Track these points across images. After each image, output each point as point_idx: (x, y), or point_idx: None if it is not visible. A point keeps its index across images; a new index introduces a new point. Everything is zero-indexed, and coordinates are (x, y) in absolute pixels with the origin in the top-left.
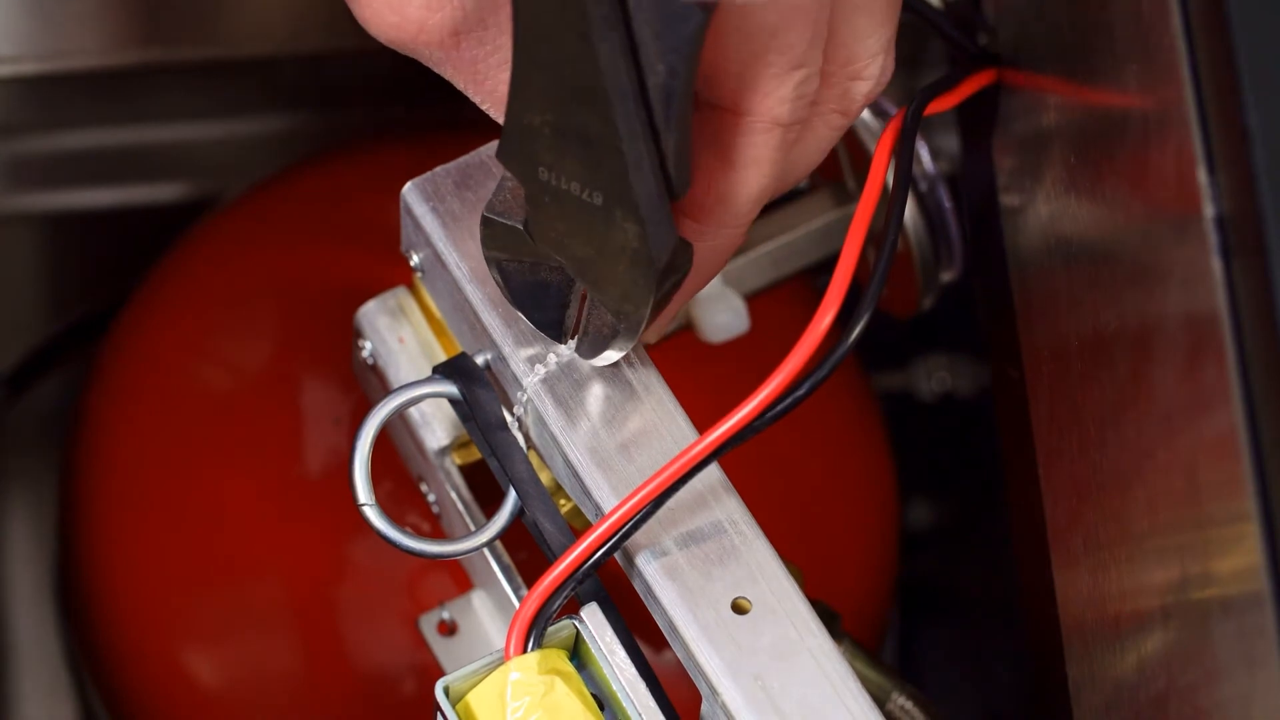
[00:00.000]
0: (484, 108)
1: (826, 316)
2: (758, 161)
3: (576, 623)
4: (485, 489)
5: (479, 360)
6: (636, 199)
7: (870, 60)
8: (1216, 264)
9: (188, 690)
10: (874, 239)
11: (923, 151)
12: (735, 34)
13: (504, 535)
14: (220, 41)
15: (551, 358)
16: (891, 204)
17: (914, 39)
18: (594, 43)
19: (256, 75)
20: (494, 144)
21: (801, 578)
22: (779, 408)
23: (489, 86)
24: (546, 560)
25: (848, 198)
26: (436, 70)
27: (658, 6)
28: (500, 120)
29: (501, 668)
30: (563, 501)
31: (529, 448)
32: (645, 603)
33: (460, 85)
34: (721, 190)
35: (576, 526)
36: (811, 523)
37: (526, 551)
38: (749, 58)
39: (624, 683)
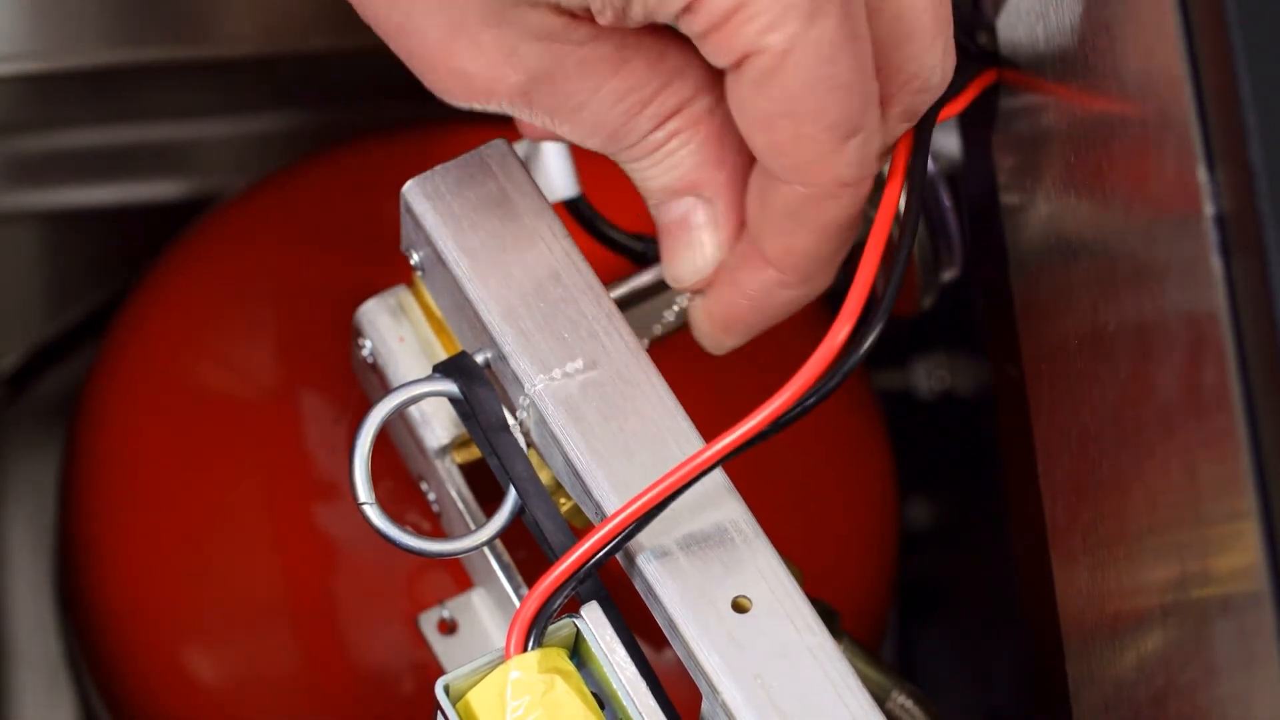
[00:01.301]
0: (572, 140)
1: (841, 332)
2: (836, 224)
3: (577, 621)
4: (485, 488)
5: (479, 359)
6: None
7: (931, 73)
8: (1216, 262)
9: (188, 690)
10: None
11: None
12: (783, 119)
13: (504, 534)
14: (220, 40)
15: (557, 370)
16: (906, 215)
17: None
18: None
19: (257, 74)
20: (493, 143)
21: (801, 577)
22: (787, 417)
23: (569, 126)
24: (546, 559)
25: None
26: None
27: None
28: (594, 148)
29: (501, 666)
30: (562, 501)
31: (529, 446)
32: (645, 601)
33: (541, 125)
34: (801, 253)
35: (576, 525)
36: (811, 522)
37: (526, 550)
38: (801, 138)
39: (624, 681)
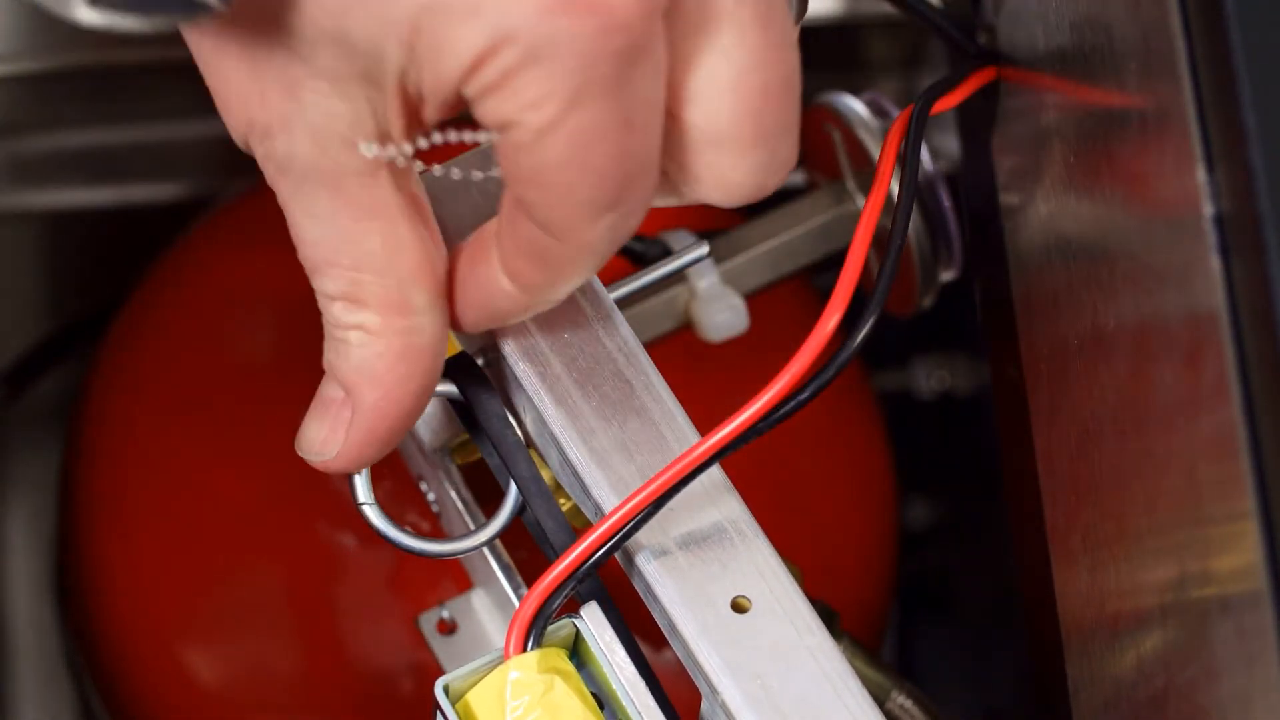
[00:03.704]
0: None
1: (831, 320)
2: (577, 275)
3: (576, 621)
4: (485, 488)
5: (479, 359)
6: None
7: (730, 186)
8: (1215, 262)
9: (187, 689)
10: (876, 242)
11: (923, 151)
12: (536, 187)
13: (504, 534)
14: None
15: (558, 369)
16: (897, 207)
17: (913, 38)
18: None
19: None
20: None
21: (801, 577)
22: (782, 411)
23: (295, 236)
24: (546, 560)
25: (847, 196)
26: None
27: None
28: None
29: (501, 667)
30: (562, 501)
31: (528, 446)
32: (645, 601)
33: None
34: (541, 287)
35: (575, 525)
36: (811, 522)
37: (526, 550)
38: (552, 205)
39: (624, 682)
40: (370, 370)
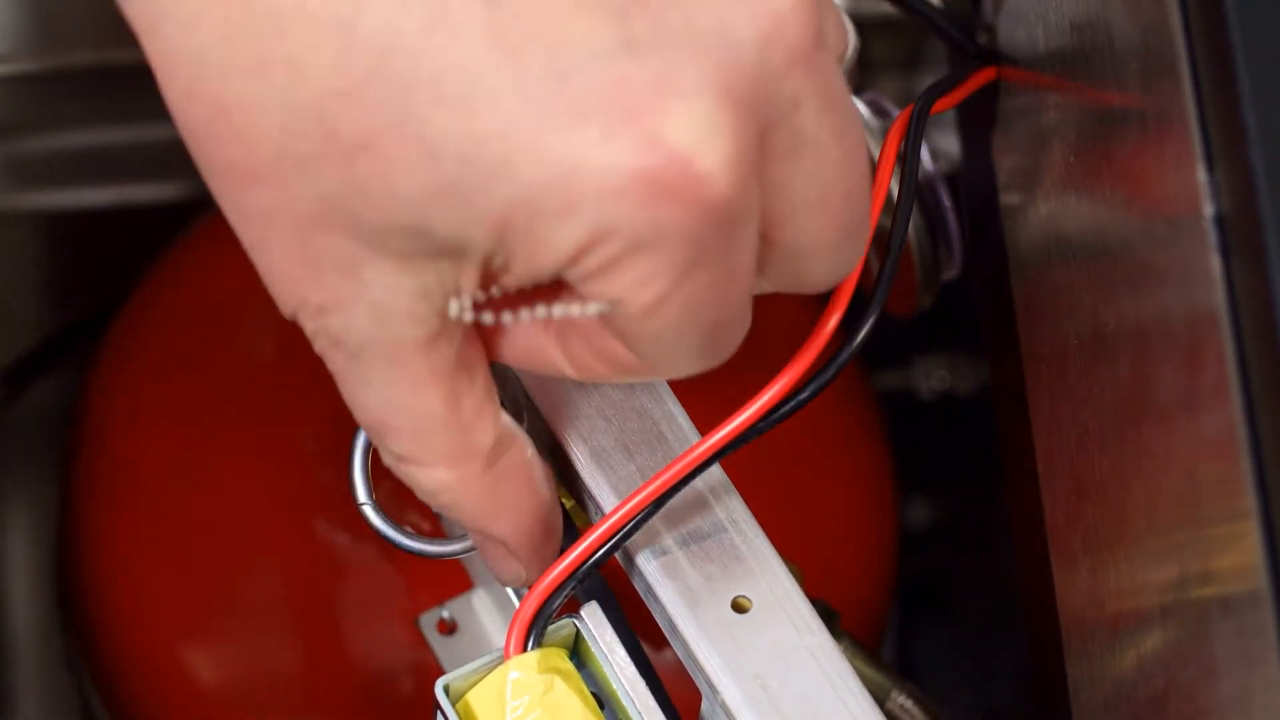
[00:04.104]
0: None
1: (831, 320)
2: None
3: (576, 621)
4: None
5: None
6: None
7: (816, 281)
8: (1215, 262)
9: (188, 690)
10: (877, 242)
11: (923, 151)
12: (650, 347)
13: None
14: None
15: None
16: (897, 207)
17: (913, 38)
18: None
19: None
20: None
21: (801, 576)
22: (782, 410)
23: (350, 405)
24: None
25: None
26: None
27: None
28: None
29: (501, 667)
30: (563, 500)
31: None
32: (645, 601)
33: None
34: (604, 379)
35: (576, 525)
36: (811, 522)
37: None
38: (664, 359)
39: (624, 681)
40: (480, 517)
